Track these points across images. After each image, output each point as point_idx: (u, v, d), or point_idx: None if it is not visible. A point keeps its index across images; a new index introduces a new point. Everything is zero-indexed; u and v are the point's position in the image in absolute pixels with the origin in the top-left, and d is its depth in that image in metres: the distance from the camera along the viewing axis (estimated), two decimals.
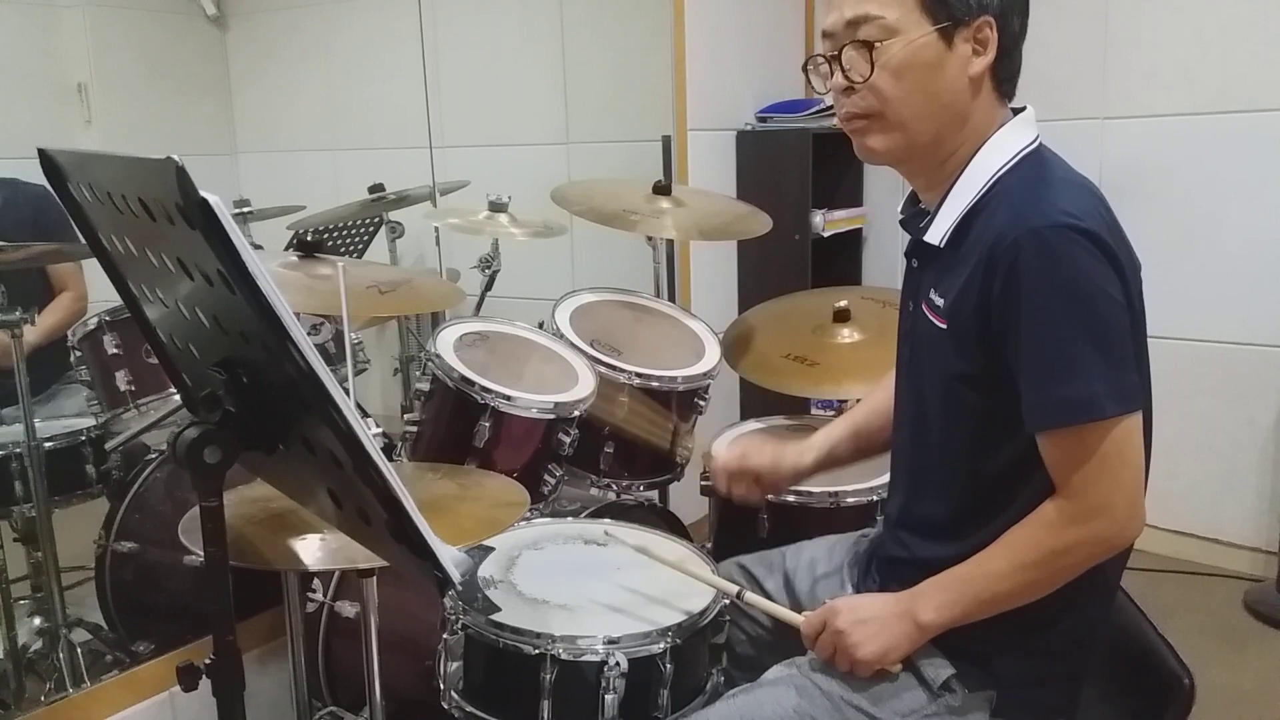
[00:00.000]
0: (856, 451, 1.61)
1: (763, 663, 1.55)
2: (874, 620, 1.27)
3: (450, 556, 0.94)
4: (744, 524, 1.89)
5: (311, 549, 1.39)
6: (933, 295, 1.28)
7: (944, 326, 1.25)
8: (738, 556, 1.65)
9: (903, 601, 1.27)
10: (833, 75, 1.27)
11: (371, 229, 3.06)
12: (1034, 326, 1.15)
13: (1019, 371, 1.17)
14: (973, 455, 1.26)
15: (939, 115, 1.25)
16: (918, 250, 1.35)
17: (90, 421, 2.20)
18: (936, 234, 1.28)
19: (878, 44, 1.22)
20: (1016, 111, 1.30)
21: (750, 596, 1.45)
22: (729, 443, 2.05)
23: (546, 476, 1.98)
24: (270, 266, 1.69)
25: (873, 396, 1.61)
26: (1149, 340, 1.25)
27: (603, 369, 2.05)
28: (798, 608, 1.52)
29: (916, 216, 1.35)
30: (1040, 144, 1.28)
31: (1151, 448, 1.26)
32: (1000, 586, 1.22)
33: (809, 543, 1.62)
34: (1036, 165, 1.26)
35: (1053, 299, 1.14)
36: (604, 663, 1.35)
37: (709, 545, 2.04)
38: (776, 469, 1.60)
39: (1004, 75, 1.27)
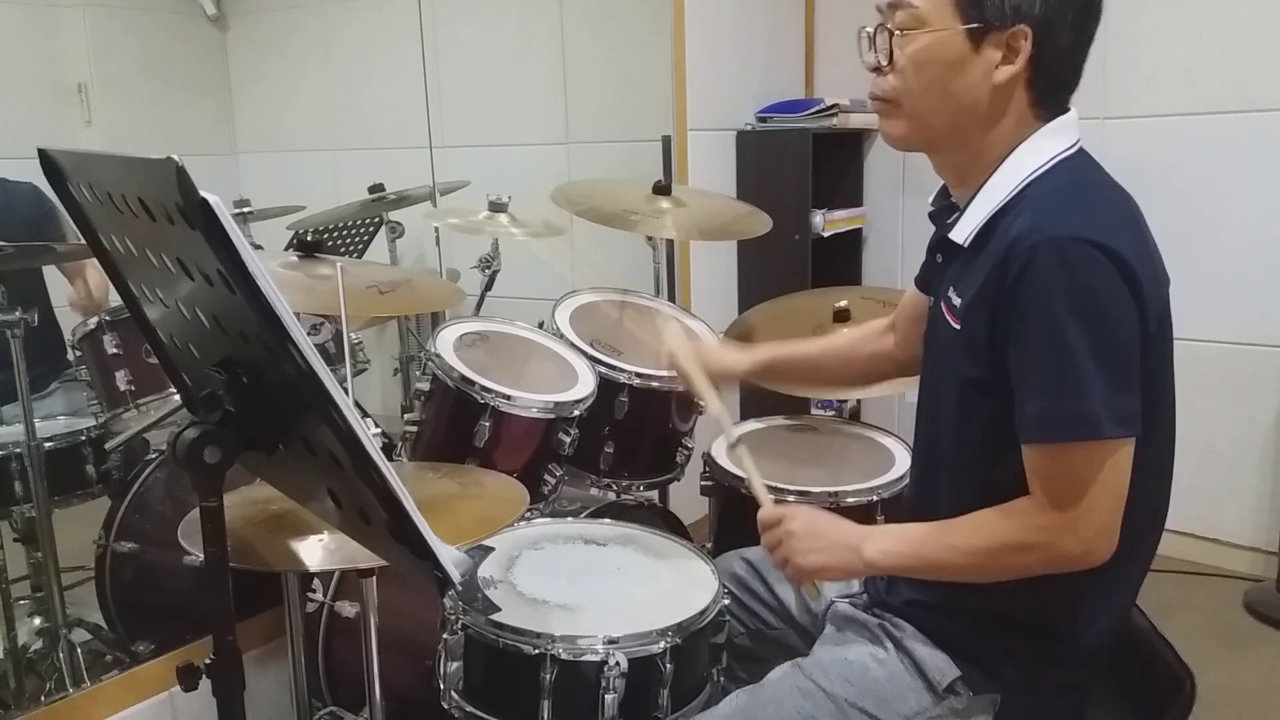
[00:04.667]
0: (812, 376, 1.69)
1: (759, 654, 1.55)
2: (825, 537, 1.30)
3: (450, 556, 0.94)
4: (744, 524, 1.88)
5: (311, 549, 1.39)
6: (951, 294, 1.27)
7: (958, 328, 1.24)
8: (741, 549, 1.66)
9: (857, 534, 1.30)
10: (869, 50, 1.28)
11: (371, 229, 3.06)
12: (1038, 337, 1.13)
13: (1017, 380, 1.16)
14: (983, 459, 1.26)
15: (957, 115, 1.23)
16: (942, 246, 1.34)
17: (90, 421, 2.20)
18: (962, 233, 1.26)
19: (904, 32, 1.22)
20: (1059, 113, 1.26)
21: (742, 454, 1.52)
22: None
23: (546, 476, 1.98)
24: (270, 266, 1.69)
25: (845, 335, 1.64)
26: None
27: (603, 369, 2.05)
28: (803, 601, 1.53)
29: (945, 211, 1.34)
30: (1080, 149, 1.26)
31: (1173, 466, 1.26)
32: (950, 559, 1.23)
33: None
34: (1071, 172, 1.23)
35: (1059, 311, 1.11)
36: (604, 663, 1.35)
37: (709, 545, 2.04)
38: (708, 368, 1.64)
39: (1043, 88, 1.23)
